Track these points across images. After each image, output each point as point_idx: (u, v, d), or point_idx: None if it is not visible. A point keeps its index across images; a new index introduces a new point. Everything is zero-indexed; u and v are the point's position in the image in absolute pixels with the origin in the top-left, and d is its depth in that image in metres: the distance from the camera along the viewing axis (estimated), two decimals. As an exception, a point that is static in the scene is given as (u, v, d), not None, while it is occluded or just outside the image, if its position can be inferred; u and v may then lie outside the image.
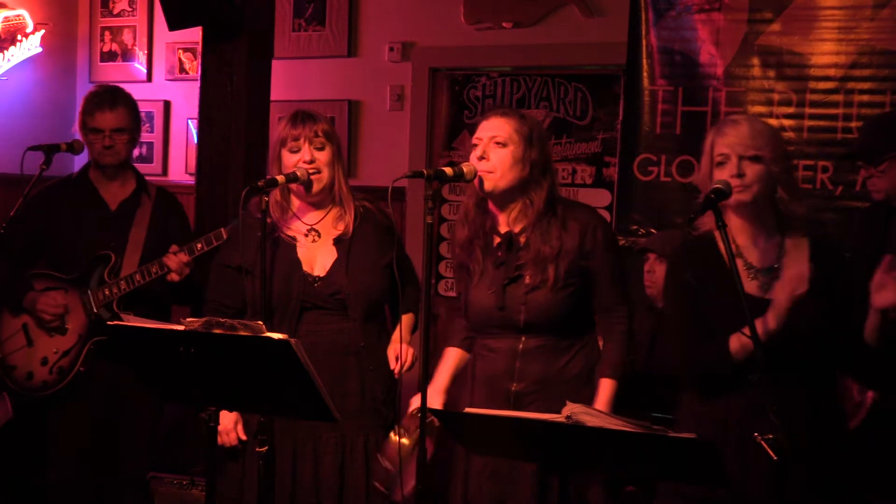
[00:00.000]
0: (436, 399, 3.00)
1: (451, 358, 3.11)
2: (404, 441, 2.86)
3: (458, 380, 3.13)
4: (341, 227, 3.12)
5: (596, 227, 2.93)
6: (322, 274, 3.07)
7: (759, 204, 2.67)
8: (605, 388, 2.89)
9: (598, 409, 2.73)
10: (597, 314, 2.98)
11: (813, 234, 2.75)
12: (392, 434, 2.91)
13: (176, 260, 3.53)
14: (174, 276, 3.55)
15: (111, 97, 3.83)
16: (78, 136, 3.88)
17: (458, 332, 3.14)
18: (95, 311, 3.70)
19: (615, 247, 3.03)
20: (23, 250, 3.80)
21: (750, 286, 2.66)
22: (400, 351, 3.05)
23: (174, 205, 3.99)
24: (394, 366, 3.08)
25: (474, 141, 2.93)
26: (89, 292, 3.72)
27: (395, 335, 3.13)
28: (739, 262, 2.69)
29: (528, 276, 2.90)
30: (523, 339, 2.93)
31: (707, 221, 2.71)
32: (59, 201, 3.85)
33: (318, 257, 3.10)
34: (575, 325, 2.96)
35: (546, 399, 2.84)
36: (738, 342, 2.63)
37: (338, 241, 3.11)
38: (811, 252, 2.69)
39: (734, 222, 2.69)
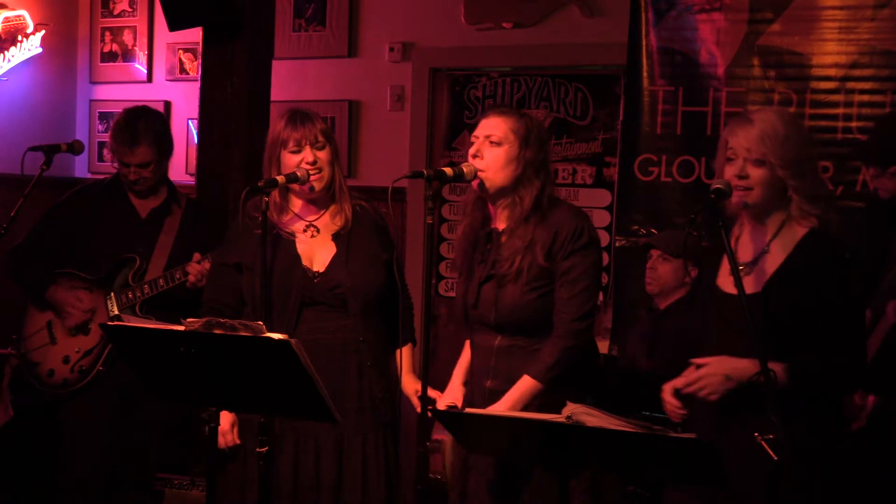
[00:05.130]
0: (457, 394, 3.03)
1: (469, 351, 3.10)
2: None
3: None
4: (339, 222, 3.12)
5: (570, 231, 2.84)
6: (321, 269, 3.06)
7: (764, 206, 2.63)
8: (524, 386, 2.79)
9: (504, 404, 2.76)
10: (554, 316, 2.86)
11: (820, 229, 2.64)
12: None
13: (198, 268, 3.60)
14: (196, 283, 3.60)
15: (132, 136, 3.76)
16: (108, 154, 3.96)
17: None
18: (117, 312, 3.72)
19: (588, 258, 2.86)
20: (54, 250, 3.84)
21: (726, 282, 2.66)
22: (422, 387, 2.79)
23: (203, 215, 4.02)
24: (416, 401, 2.87)
25: (472, 138, 2.95)
26: (112, 294, 3.75)
27: (406, 371, 3.14)
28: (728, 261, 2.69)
29: (500, 273, 2.90)
30: (499, 337, 2.93)
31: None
32: (91, 205, 3.88)
33: (317, 253, 3.09)
34: (550, 327, 2.87)
35: None
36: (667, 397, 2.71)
37: (336, 237, 3.11)
38: (801, 241, 2.62)
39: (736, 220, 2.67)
